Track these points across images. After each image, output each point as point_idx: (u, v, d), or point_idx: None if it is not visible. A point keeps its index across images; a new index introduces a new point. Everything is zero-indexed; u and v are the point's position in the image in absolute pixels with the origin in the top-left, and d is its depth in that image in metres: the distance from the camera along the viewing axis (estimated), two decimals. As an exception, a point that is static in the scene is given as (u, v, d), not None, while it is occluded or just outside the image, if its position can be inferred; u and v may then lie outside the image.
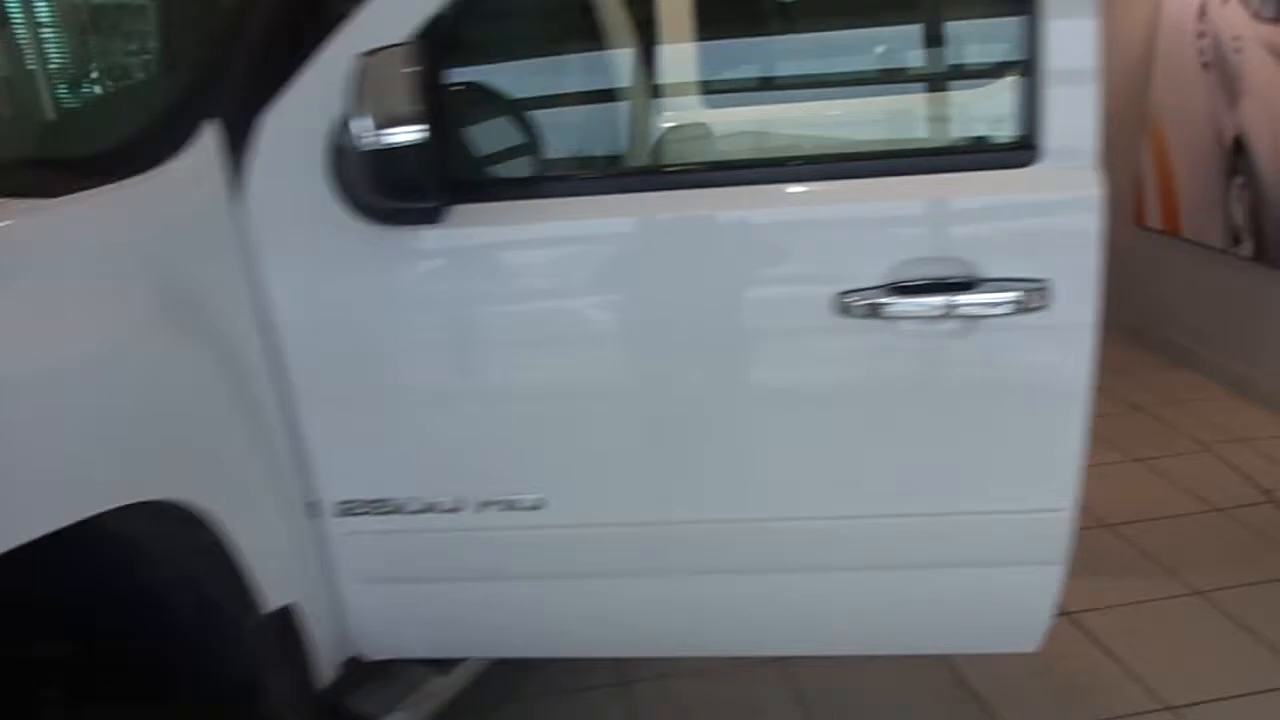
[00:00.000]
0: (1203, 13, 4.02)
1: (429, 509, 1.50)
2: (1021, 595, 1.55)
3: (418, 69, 1.17)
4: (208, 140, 1.36)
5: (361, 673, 1.73)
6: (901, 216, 1.40)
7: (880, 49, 1.90)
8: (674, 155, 1.90)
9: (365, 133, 1.17)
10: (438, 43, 1.35)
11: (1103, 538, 2.94)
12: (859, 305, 1.38)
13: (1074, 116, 1.35)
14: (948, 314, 1.38)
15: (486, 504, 1.51)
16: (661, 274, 1.42)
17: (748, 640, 1.67)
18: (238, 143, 1.37)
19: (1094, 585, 2.68)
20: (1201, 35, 4.05)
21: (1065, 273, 1.37)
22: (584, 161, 1.75)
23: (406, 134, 1.15)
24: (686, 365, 1.45)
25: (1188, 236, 4.25)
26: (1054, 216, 1.38)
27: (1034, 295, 1.36)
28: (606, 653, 1.67)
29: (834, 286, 1.39)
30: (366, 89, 1.16)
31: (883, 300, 1.38)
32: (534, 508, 1.51)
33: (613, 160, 1.86)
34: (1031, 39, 1.35)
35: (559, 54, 1.87)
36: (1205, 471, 3.31)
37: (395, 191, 1.22)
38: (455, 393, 1.47)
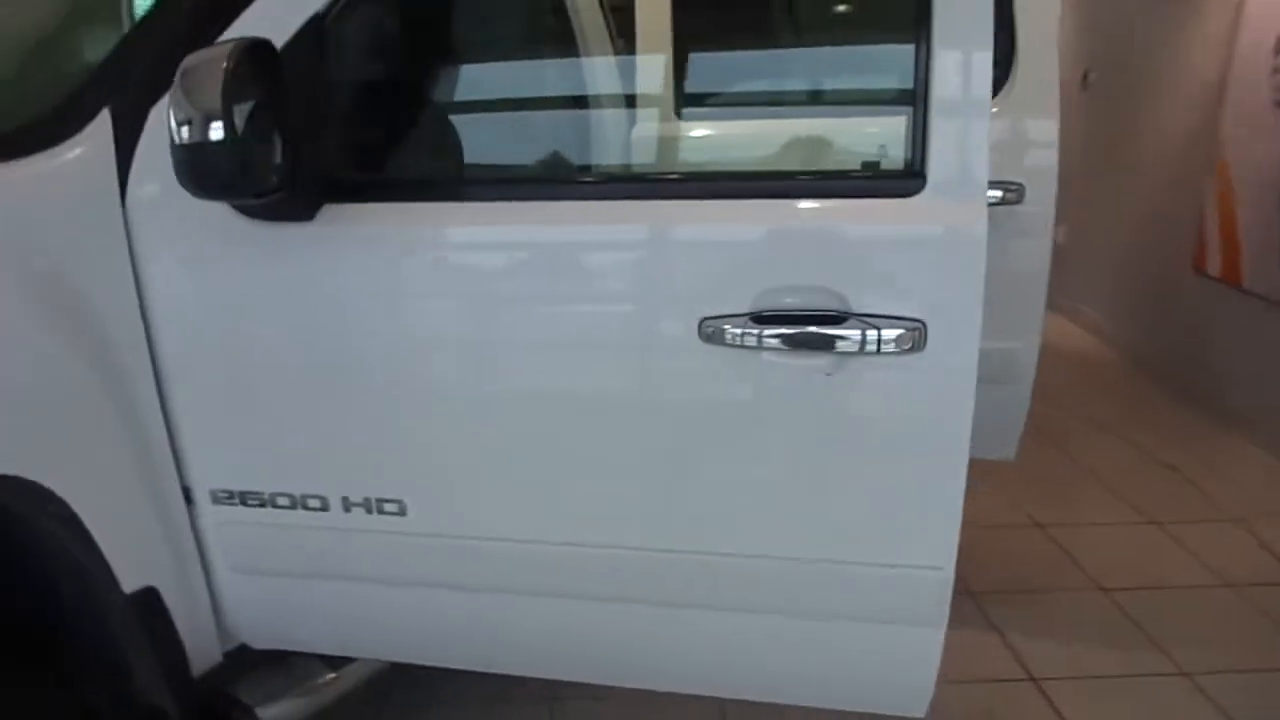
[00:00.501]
0: (1280, 48, 3.78)
1: (297, 505, 1.50)
2: (901, 655, 1.46)
3: (243, 66, 1.16)
4: (101, 128, 1.38)
5: (254, 661, 1.73)
6: (769, 241, 1.32)
7: (771, 71, 1.83)
8: (552, 165, 1.86)
9: (179, 127, 1.17)
10: (321, 42, 1.35)
11: (1094, 601, 2.77)
12: (723, 333, 1.31)
13: (963, 148, 1.26)
14: (814, 349, 1.30)
15: (352, 505, 1.49)
16: (523, 286, 1.38)
17: (607, 669, 1.61)
18: (131, 133, 1.39)
19: (1071, 651, 2.52)
20: (1276, 71, 3.80)
21: (943, 313, 1.28)
22: (464, 168, 1.72)
23: (212, 131, 1.15)
24: (544, 383, 1.40)
25: (1248, 288, 3.98)
26: (934, 252, 1.28)
27: (908, 335, 1.27)
28: (468, 666, 1.64)
29: (699, 311, 1.32)
30: (184, 86, 1.16)
31: (747, 329, 1.31)
32: (396, 513, 1.48)
33: (487, 168, 1.82)
34: (921, 67, 1.27)
35: (452, 58, 1.85)
36: (1228, 544, 3.09)
37: (201, 187, 1.22)
38: (319, 391, 1.45)
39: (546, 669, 1.61)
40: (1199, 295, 4.28)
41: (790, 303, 1.30)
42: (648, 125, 1.94)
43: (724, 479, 1.40)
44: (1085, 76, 5.40)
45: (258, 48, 1.19)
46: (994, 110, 2.14)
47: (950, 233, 1.27)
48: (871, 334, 1.27)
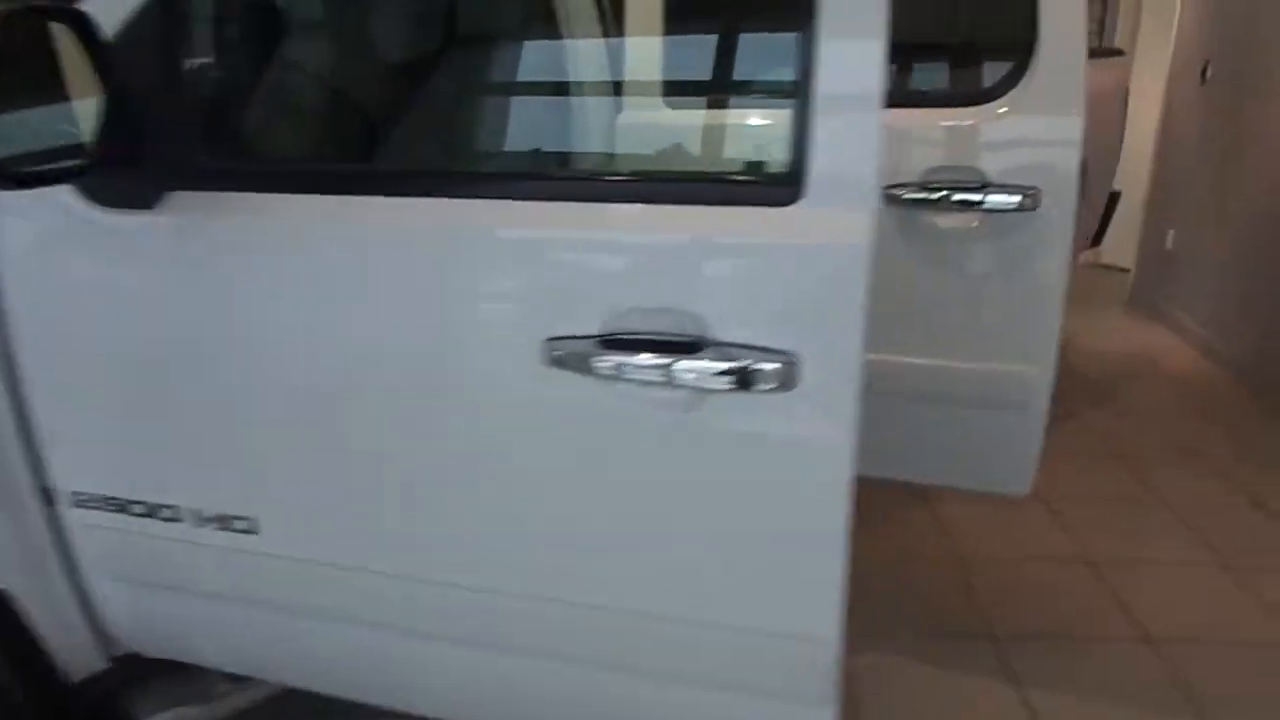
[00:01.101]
0: None
1: (151, 514, 1.42)
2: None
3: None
4: None
5: (151, 669, 1.68)
6: (621, 252, 1.15)
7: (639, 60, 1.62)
8: (408, 159, 1.70)
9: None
10: (166, 19, 1.26)
11: (1136, 654, 2.46)
12: (568, 356, 1.15)
13: (849, 150, 1.06)
14: (667, 380, 1.12)
15: (204, 519, 1.40)
16: (355, 290, 1.25)
17: (457, 710, 1.47)
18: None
19: (1097, 712, 2.24)
20: None
21: (819, 344, 1.08)
22: (321, 154, 1.58)
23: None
24: (386, 400, 1.27)
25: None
26: (810, 271, 1.09)
27: (776, 370, 1.08)
28: (327, 691, 1.53)
29: (544, 330, 1.17)
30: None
31: (594, 354, 1.14)
32: (247, 531, 1.38)
33: (340, 157, 1.67)
34: (803, 57, 1.07)
35: (311, 40, 1.72)
36: (1312, 597, 2.71)
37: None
38: (166, 397, 1.37)
39: (396, 700, 1.49)
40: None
41: (644, 325, 1.13)
42: (502, 119, 1.77)
43: (567, 520, 1.24)
44: (1204, 70, 4.88)
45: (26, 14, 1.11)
46: (1003, 108, 1.90)
47: (828, 249, 1.07)
48: (733, 364, 1.09)
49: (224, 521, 1.39)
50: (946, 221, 1.98)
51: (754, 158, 1.16)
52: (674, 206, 1.14)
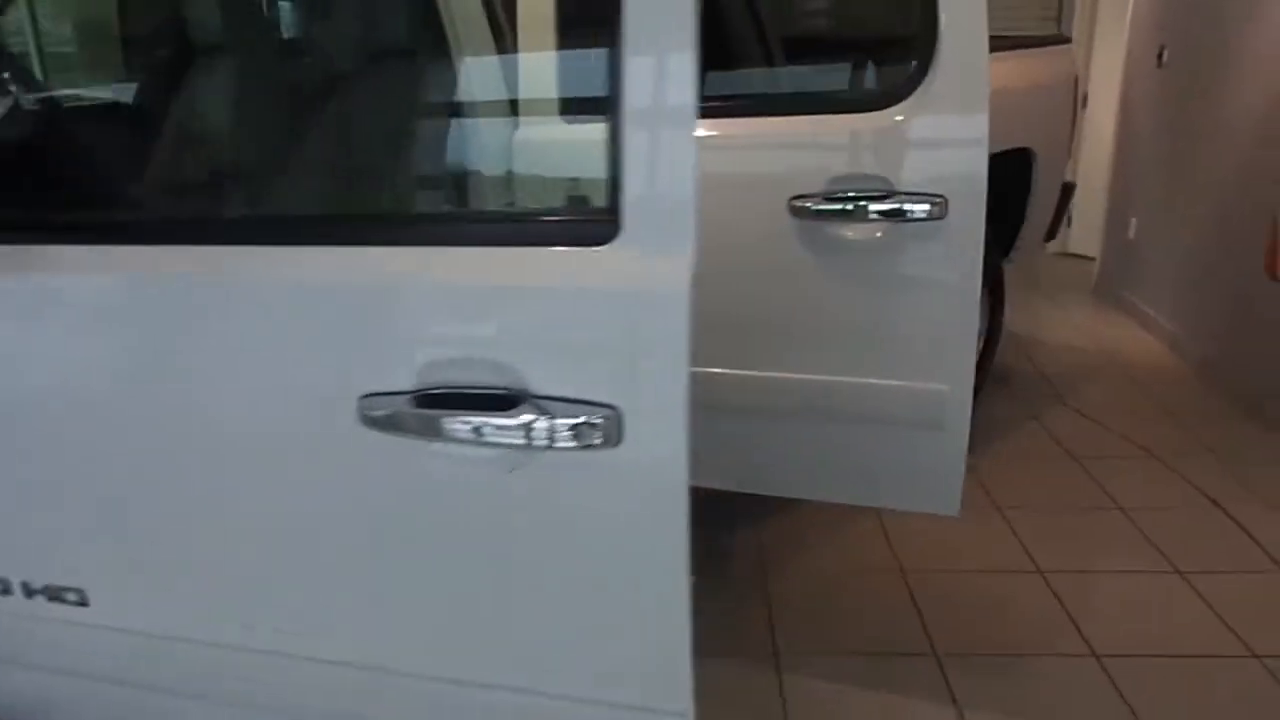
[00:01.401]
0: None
1: None
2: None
3: None
4: None
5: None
6: (432, 300, 1.05)
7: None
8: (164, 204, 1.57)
9: None
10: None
11: (1084, 671, 2.36)
12: (382, 416, 1.05)
13: (666, 183, 0.96)
14: (479, 440, 1.02)
15: (33, 591, 1.30)
16: (152, 348, 1.15)
17: None
18: None
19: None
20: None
21: (642, 396, 0.98)
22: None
23: None
24: (194, 467, 1.17)
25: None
26: (629, 318, 0.99)
27: (596, 427, 0.98)
28: None
29: (357, 388, 1.06)
30: None
31: (408, 412, 1.04)
32: (78, 604, 1.28)
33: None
34: (612, 79, 0.97)
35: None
36: (1270, 604, 2.62)
37: None
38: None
39: None
40: (1276, 302, 3.71)
41: (460, 379, 1.03)
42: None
43: (393, 588, 1.14)
44: (1160, 54, 4.79)
45: None
46: (906, 111, 1.80)
47: (648, 294, 0.97)
48: (549, 422, 0.99)
49: (53, 593, 1.29)
50: (852, 232, 1.89)
51: (568, 193, 1.06)
52: (488, 249, 1.03)
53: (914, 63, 1.81)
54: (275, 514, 1.16)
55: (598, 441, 0.99)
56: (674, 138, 0.95)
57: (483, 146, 1.59)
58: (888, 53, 2.03)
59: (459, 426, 1.02)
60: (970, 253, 1.82)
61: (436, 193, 1.53)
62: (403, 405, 1.04)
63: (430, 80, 1.52)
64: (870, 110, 1.85)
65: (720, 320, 2.03)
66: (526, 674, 1.12)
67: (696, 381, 1.85)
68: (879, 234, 1.86)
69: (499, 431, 1.01)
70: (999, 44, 3.21)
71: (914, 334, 1.91)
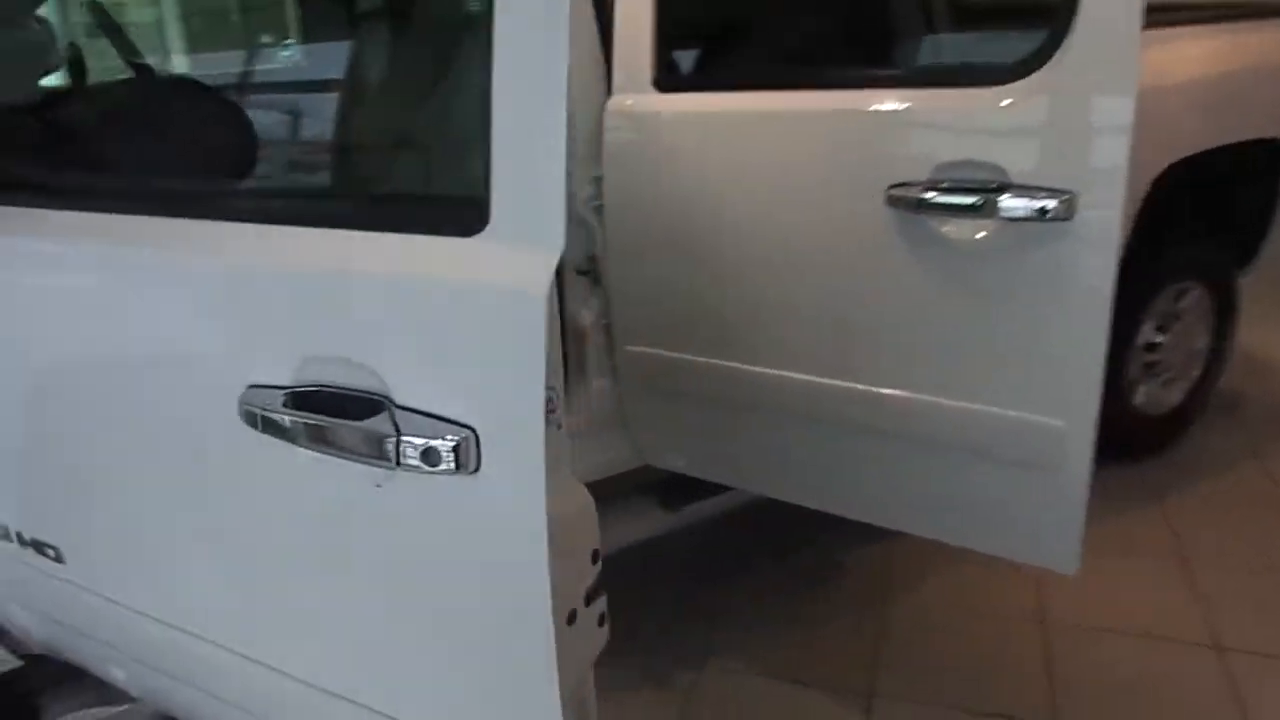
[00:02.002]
0: None
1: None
2: None
3: None
4: None
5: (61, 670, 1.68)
6: (306, 288, 0.94)
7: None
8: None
9: None
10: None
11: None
12: (262, 415, 0.96)
13: (530, 170, 0.80)
14: (342, 451, 0.91)
15: (26, 541, 1.34)
16: (73, 318, 1.12)
17: None
18: None
19: None
20: None
21: (499, 417, 0.83)
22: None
23: None
24: (115, 441, 1.14)
25: None
26: (488, 324, 0.83)
27: (449, 449, 0.84)
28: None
29: (241, 381, 0.98)
30: None
31: (278, 412, 0.94)
32: (56, 560, 1.31)
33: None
34: (482, 59, 0.81)
35: None
36: None
37: None
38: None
39: None
40: None
41: (333, 379, 0.92)
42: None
43: (273, 588, 1.06)
44: None
45: None
46: (1023, 93, 1.50)
47: (508, 296, 0.81)
48: (402, 442, 0.86)
49: (40, 546, 1.32)
50: (958, 230, 1.60)
51: (431, 177, 0.93)
52: (342, 231, 0.91)
53: (1046, 31, 1.49)
54: (172, 499, 1.11)
55: (449, 466, 0.84)
56: (545, 125, 0.78)
57: (345, 123, 1.46)
58: (1015, 17, 1.70)
59: (318, 431, 0.91)
60: (1101, 263, 1.49)
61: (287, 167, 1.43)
62: (275, 403, 0.94)
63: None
64: (989, 85, 1.55)
65: (803, 318, 1.81)
66: (385, 698, 1.01)
67: (774, 384, 1.63)
68: (989, 234, 1.56)
69: (355, 443, 0.89)
70: (1225, 11, 2.68)
71: (1027, 357, 1.60)
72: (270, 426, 0.94)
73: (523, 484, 0.82)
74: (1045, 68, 1.50)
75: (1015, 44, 1.56)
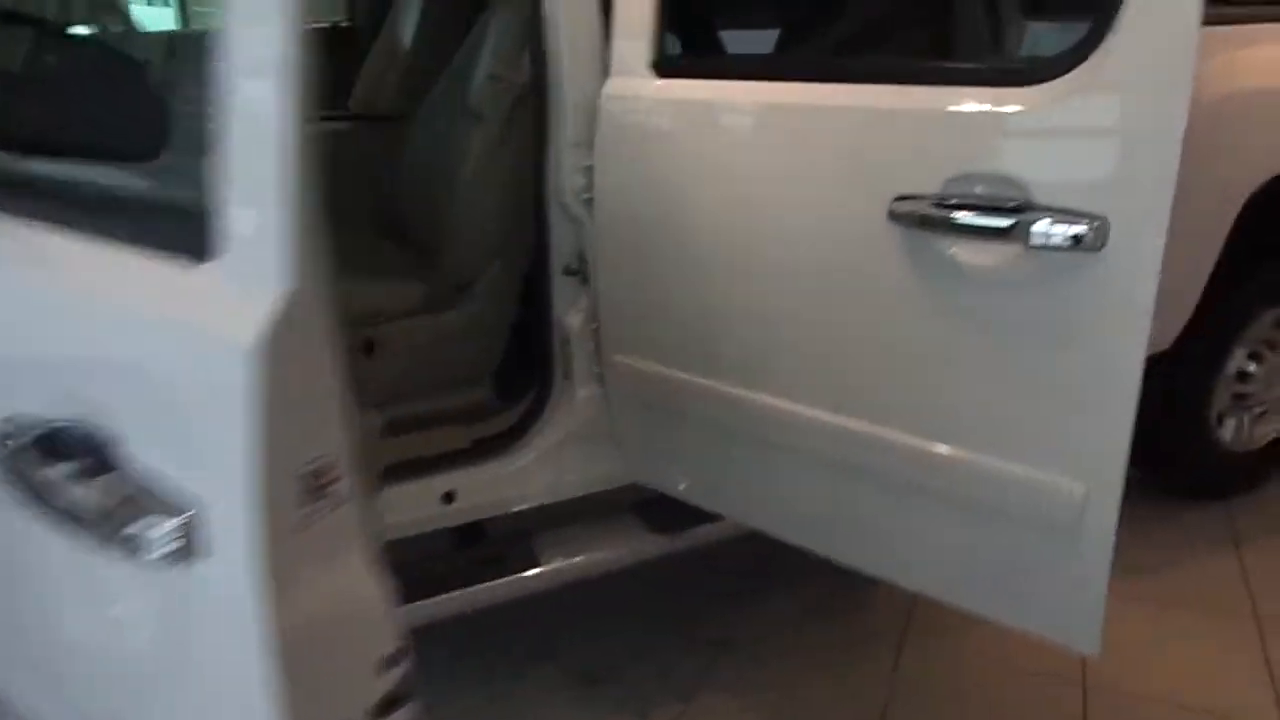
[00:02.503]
0: None
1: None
2: None
3: None
4: None
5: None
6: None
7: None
8: None
9: None
10: None
11: None
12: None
13: (264, 197, 0.63)
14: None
15: None
16: None
17: None
18: None
19: None
20: None
21: (219, 492, 0.67)
22: None
23: None
24: None
25: None
26: (197, 383, 0.67)
27: (179, 531, 0.69)
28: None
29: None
30: None
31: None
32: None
33: None
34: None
35: None
36: None
37: None
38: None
39: None
40: None
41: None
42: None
43: None
44: None
45: None
46: (1053, 95, 1.26)
47: (216, 347, 0.65)
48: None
49: None
50: (969, 254, 1.36)
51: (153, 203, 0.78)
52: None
53: (1089, 23, 1.24)
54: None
55: (171, 551, 0.69)
56: (280, 146, 0.61)
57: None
58: (1050, 5, 1.44)
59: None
60: (1137, 301, 1.24)
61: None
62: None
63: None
64: (1014, 85, 1.30)
65: (799, 341, 1.60)
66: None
67: (765, 413, 1.49)
68: (1005, 260, 1.33)
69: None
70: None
71: (1044, 406, 1.36)
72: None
73: (241, 583, 0.66)
74: (1083, 65, 1.24)
75: (1054, 37, 1.31)
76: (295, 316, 0.62)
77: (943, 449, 1.47)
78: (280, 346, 0.62)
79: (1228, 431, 2.66)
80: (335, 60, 2.92)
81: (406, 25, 2.73)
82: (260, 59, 0.64)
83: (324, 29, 3.25)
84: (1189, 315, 2.33)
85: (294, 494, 0.65)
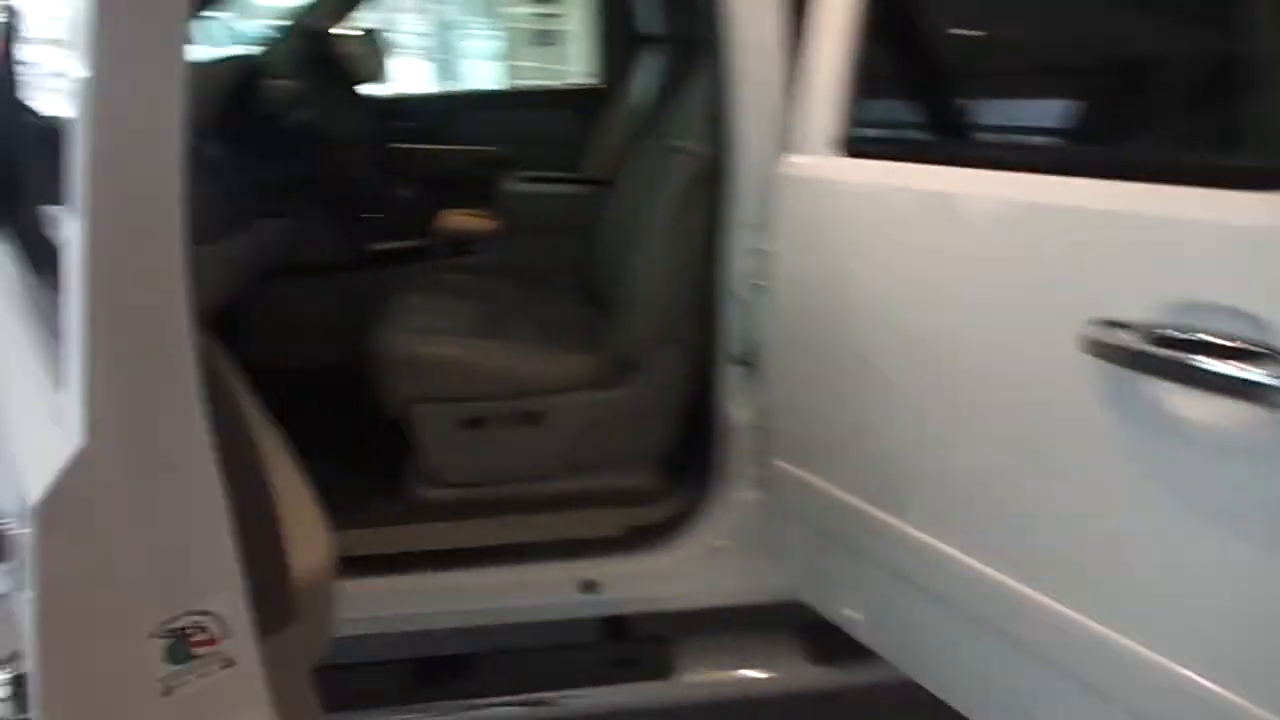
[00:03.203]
0: None
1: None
2: None
3: None
4: None
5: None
6: None
7: None
8: None
9: None
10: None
11: None
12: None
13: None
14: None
15: None
16: None
17: None
18: None
19: None
20: None
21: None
22: None
23: None
24: None
25: None
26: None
27: None
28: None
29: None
30: None
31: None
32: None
33: None
34: None
35: None
36: None
37: None
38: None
39: None
40: None
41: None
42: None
43: None
44: None
45: None
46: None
47: None
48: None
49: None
50: (1186, 404, 1.04)
51: None
52: None
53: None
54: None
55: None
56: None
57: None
58: None
59: None
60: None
61: None
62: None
63: None
64: (1262, 189, 0.98)
65: (975, 483, 1.33)
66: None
67: (935, 560, 1.35)
68: (1232, 416, 1.00)
69: None
70: None
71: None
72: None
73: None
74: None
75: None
76: None
77: (1135, 648, 1.13)
78: None
79: None
80: (584, 120, 2.94)
81: (635, 87, 2.69)
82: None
83: (575, 90, 3.30)
84: None
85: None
